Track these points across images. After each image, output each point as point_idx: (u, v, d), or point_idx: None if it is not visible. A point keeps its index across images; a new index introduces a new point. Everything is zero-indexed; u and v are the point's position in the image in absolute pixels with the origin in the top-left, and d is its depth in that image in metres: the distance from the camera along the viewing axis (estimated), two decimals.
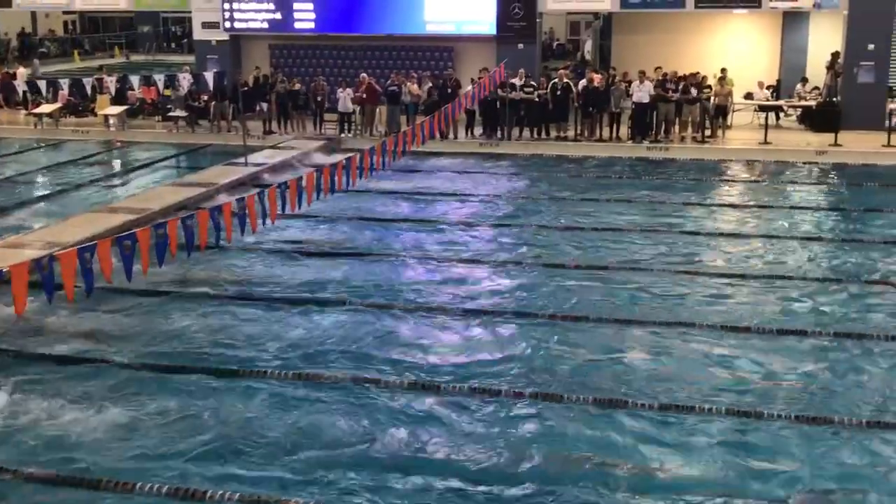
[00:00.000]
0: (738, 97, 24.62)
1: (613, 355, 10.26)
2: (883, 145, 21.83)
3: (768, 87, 25.64)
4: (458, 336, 10.91)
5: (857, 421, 8.57)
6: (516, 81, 23.20)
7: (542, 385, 9.46)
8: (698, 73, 23.33)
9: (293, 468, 7.99)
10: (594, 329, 11.04)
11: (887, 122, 22.66)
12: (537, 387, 9.41)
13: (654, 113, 22.93)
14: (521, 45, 25.43)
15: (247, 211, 11.76)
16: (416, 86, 23.91)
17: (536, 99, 23.18)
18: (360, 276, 13.14)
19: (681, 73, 23.35)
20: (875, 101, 23.46)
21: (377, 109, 24.18)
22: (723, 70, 23.50)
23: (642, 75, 22.64)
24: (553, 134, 23.45)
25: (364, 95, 23.80)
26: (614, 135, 23.14)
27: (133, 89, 26.02)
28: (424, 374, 9.80)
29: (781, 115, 25.32)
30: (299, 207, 13.10)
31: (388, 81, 24.16)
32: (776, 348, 10.42)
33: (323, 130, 24.39)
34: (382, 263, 13.81)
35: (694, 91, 22.73)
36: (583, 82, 23.33)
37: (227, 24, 27.56)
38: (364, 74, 24.64)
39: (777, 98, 25.58)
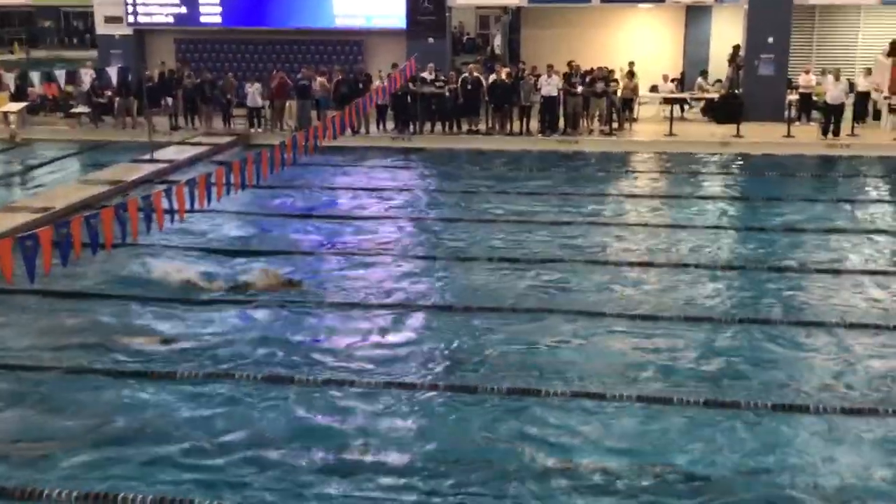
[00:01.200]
0: (643, 90, 25.10)
1: (527, 345, 10.35)
2: (783, 136, 22.50)
3: (673, 80, 26.19)
4: (372, 330, 10.87)
5: (762, 404, 8.80)
6: (426, 76, 23.24)
7: (457, 377, 9.51)
8: (604, 66, 23.66)
9: (209, 468, 7.88)
10: (508, 320, 11.11)
11: (787, 114, 23.41)
12: (453, 379, 9.44)
13: (563, 106, 23.25)
14: (431, 40, 25.46)
15: (154, 208, 11.51)
16: (326, 80, 23.73)
17: (447, 93, 23.26)
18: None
19: (589, 67, 23.70)
20: (775, 93, 24.16)
21: (287, 104, 23.94)
22: (630, 64, 23.96)
23: (550, 69, 22.89)
24: (465, 128, 23.55)
25: (275, 90, 23.58)
26: (524, 128, 23.36)
27: (33, 86, 25.26)
28: (337, 369, 9.74)
29: (686, 107, 25.91)
30: (209, 204, 12.89)
31: (299, 76, 23.93)
32: (684, 335, 10.63)
33: (232, 126, 24.04)
34: (294, 258, 13.71)
35: (601, 84, 23.08)
36: (492, 76, 23.49)
37: (131, 19, 26.96)
38: (276, 69, 24.44)
39: (681, 91, 26.15)
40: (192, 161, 20.51)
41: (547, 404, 8.85)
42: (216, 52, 27.56)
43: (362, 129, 23.01)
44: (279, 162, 14.20)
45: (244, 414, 8.74)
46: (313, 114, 23.32)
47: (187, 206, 12.20)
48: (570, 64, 23.69)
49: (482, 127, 23.58)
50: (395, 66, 22.68)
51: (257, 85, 23.67)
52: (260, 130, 23.74)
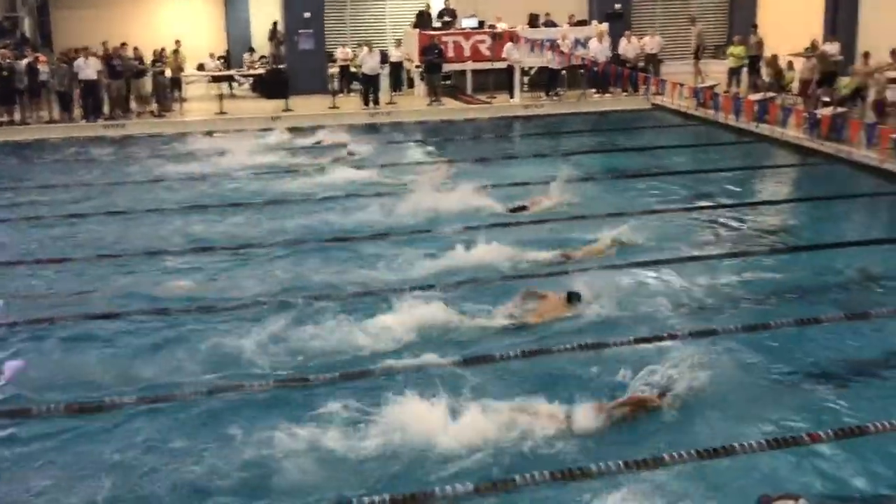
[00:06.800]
0: (190, 69, 24.85)
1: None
2: (329, 107, 23.51)
3: (219, 58, 26.25)
4: None
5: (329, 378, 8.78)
6: None
7: None
8: (136, 48, 22.97)
9: None
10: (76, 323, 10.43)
11: (330, 86, 24.47)
12: None
13: (107, 90, 22.33)
14: None
15: None
16: None
17: None
18: None
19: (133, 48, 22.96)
20: (317, 67, 25.15)
21: None
22: (177, 42, 23.58)
23: (86, 52, 21.83)
24: None
25: None
26: (67, 115, 22.10)
27: None
28: None
29: (235, 84, 26.09)
30: None
31: None
32: (240, 319, 10.21)
33: None
34: None
35: (139, 63, 22.49)
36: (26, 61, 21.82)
37: None
38: None
39: (228, 68, 26.26)
40: None
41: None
42: None
43: None
44: None
45: None
46: None
47: None
48: (123, 45, 22.68)
49: (18, 116, 21.90)
50: None
51: None
52: None
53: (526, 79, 25.27)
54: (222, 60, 26.53)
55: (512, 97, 24.43)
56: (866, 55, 19.55)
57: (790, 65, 22.26)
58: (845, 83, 20.14)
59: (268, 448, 7.27)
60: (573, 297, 9.96)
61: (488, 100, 24.43)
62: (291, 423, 7.51)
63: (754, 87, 22.96)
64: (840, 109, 19.02)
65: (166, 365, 9.00)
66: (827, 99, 20.00)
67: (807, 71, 20.90)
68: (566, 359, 8.94)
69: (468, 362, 8.78)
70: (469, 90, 25.26)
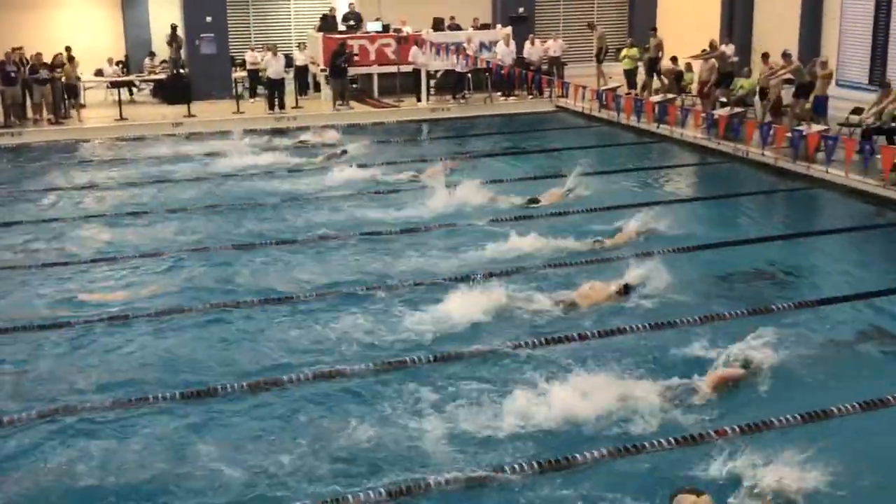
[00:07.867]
0: (88, 74, 24.21)
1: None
2: (234, 112, 23.17)
3: (118, 63, 25.63)
4: None
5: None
6: None
7: None
8: (41, 53, 22.23)
9: None
10: None
11: (235, 90, 24.12)
12: None
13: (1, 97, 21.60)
14: None
15: None
16: None
17: None
18: None
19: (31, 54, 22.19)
20: (221, 71, 24.76)
21: None
22: (67, 49, 22.95)
23: None
24: None
25: None
26: None
27: None
28: None
29: (134, 90, 25.53)
30: None
31: None
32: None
33: None
34: None
35: (45, 71, 21.78)
36: None
37: None
38: None
39: (128, 73, 25.67)
40: None
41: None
42: None
43: None
44: None
45: None
46: None
47: None
48: (19, 50, 21.93)
49: None
50: None
51: None
52: None
53: (432, 82, 25.32)
54: (121, 65, 25.90)
55: (419, 100, 24.46)
56: (765, 56, 20.11)
57: (688, 66, 22.85)
58: (741, 84, 20.77)
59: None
60: (628, 289, 10.67)
61: (396, 103, 24.40)
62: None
63: (651, 89, 23.50)
64: (737, 110, 19.59)
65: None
66: (724, 100, 20.58)
67: (705, 72, 21.44)
68: None
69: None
70: (375, 94, 25.19)
